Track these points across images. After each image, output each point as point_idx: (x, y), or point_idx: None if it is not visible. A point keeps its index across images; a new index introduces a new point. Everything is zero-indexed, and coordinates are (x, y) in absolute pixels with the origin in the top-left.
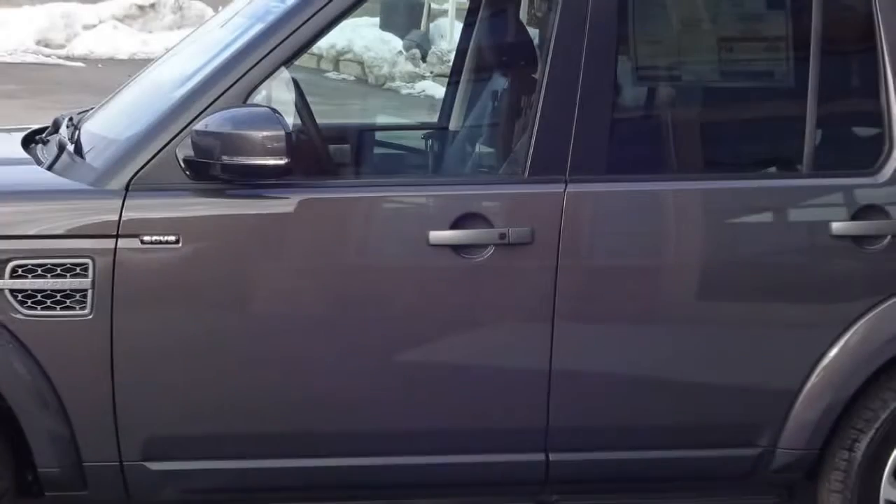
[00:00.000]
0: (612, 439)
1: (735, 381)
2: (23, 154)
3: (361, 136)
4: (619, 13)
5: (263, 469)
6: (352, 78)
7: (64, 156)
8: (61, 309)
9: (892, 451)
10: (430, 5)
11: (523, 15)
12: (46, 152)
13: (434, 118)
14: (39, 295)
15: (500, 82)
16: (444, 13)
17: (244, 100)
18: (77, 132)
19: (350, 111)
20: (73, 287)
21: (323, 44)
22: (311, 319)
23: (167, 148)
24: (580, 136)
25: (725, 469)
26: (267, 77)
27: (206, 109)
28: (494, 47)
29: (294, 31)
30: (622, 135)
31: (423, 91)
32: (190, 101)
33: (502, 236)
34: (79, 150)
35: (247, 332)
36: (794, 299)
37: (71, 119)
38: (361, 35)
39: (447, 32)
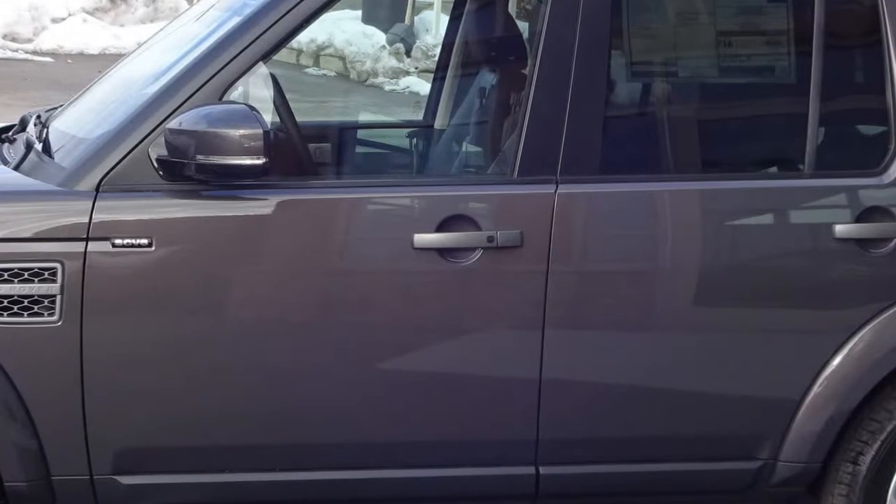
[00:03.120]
0: (605, 452)
1: (734, 390)
2: None
3: (343, 135)
4: (612, 5)
5: (241, 483)
6: (333, 74)
7: (31, 155)
8: (29, 315)
9: None
10: None
11: (512, 7)
12: (13, 151)
13: (419, 116)
14: (6, 301)
15: (488, 78)
16: (429, 6)
17: (220, 97)
18: (45, 130)
19: (331, 108)
20: (41, 292)
21: (302, 38)
22: (291, 326)
23: (139, 147)
24: (572, 134)
25: (724, 483)
26: (244, 73)
27: (180, 107)
28: (482, 41)
29: (272, 25)
30: (616, 133)
31: (408, 87)
32: (163, 98)
33: (490, 239)
34: (47, 150)
35: (223, 339)
36: (795, 305)
37: (39, 117)
38: (343, 29)
39: (433, 26)
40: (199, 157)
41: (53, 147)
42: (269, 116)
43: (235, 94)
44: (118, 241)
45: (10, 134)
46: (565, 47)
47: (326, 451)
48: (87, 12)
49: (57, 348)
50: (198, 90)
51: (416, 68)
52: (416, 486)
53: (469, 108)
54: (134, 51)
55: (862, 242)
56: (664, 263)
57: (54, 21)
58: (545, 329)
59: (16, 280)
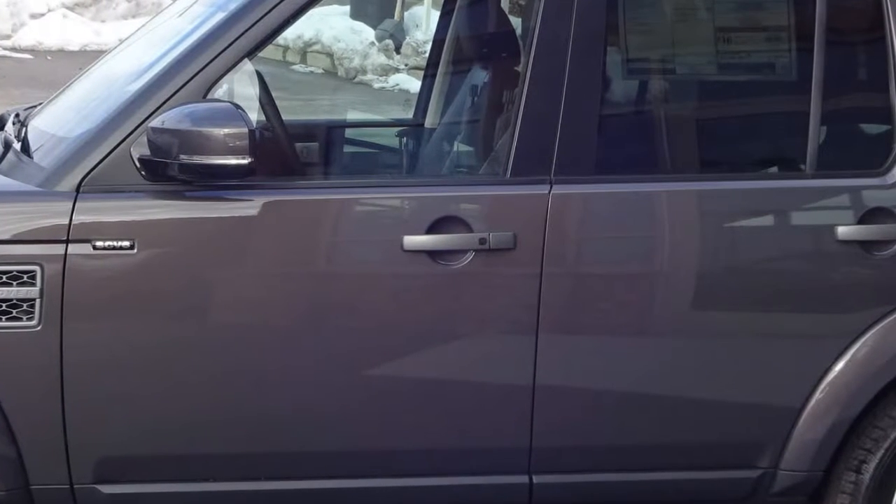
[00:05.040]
0: (600, 460)
1: (733, 397)
2: None
3: (331, 134)
4: (608, 0)
5: (226, 492)
6: (320, 71)
7: (9, 155)
8: (7, 319)
9: None
10: None
11: (505, 3)
12: None
13: (409, 114)
14: None
15: (479, 76)
16: (419, 1)
17: (204, 94)
18: (24, 129)
19: (318, 107)
20: (19, 296)
21: (289, 34)
22: (277, 331)
23: (121, 147)
24: (566, 133)
25: (723, 492)
26: (229, 70)
27: (162, 105)
28: (474, 38)
29: (258, 21)
30: (612, 132)
31: (398, 85)
32: (145, 96)
33: (482, 241)
34: (26, 149)
35: (208, 344)
36: (796, 309)
37: (17, 115)
38: (331, 25)
39: (423, 22)
40: (182, 156)
41: (32, 146)
42: (254, 115)
43: (220, 91)
44: (99, 244)
45: None
46: (559, 44)
47: (314, 460)
48: (68, 8)
49: (36, 353)
50: (181, 88)
51: (406, 65)
52: (407, 495)
53: (460, 106)
54: (115, 47)
55: (865, 244)
56: (661, 266)
57: (33, 17)
58: (539, 334)
59: None
